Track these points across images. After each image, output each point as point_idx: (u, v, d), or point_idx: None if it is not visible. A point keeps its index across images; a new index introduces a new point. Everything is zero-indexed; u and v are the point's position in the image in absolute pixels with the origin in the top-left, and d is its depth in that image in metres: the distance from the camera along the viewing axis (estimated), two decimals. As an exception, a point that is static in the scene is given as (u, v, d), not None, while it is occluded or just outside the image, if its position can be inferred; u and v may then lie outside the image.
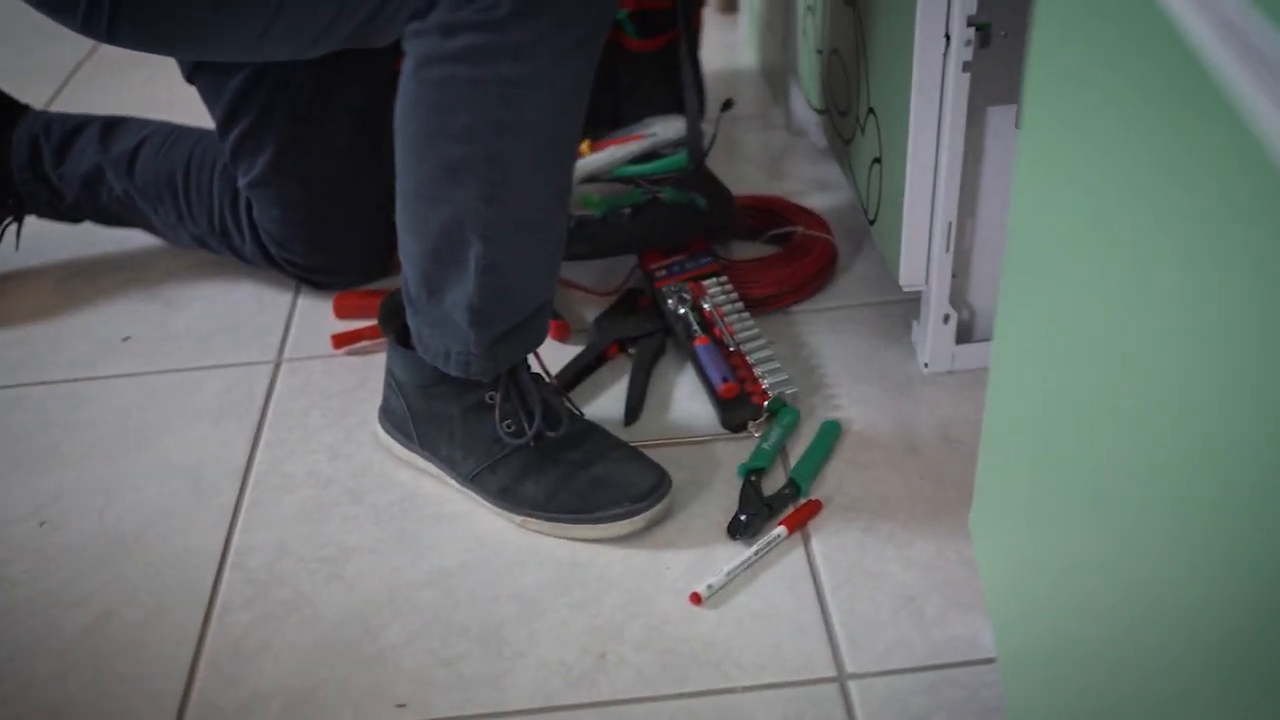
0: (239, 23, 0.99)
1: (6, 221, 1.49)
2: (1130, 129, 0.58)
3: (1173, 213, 0.53)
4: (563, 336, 1.31)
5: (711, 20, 2.02)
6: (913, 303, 1.28)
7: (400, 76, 0.98)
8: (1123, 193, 0.59)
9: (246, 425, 1.25)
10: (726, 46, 1.96)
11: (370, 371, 1.31)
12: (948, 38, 1.09)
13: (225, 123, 1.33)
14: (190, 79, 1.33)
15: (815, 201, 1.52)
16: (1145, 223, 0.56)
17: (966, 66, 1.09)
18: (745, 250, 1.44)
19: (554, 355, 1.26)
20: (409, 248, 1.05)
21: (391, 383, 1.15)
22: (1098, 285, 0.63)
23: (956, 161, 1.13)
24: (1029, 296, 0.76)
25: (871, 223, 1.28)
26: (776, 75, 1.76)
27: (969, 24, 1.07)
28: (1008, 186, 1.18)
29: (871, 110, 1.24)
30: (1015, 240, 0.78)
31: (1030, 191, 0.74)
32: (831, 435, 1.15)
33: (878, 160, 1.24)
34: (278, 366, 1.34)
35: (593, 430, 1.12)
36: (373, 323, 1.36)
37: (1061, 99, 0.68)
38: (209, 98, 1.33)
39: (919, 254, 1.19)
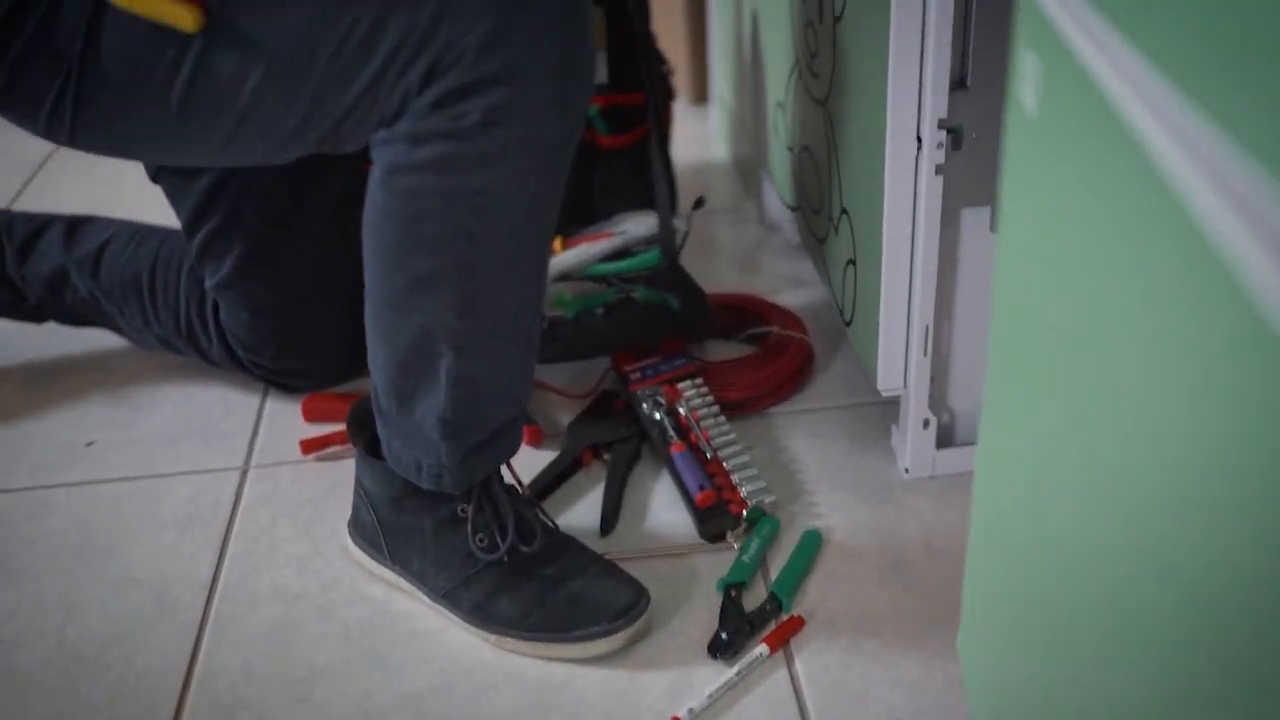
0: (203, 130, 0.98)
1: (-33, 324, 1.46)
2: (1102, 243, 0.57)
3: (1151, 326, 0.52)
4: (536, 441, 1.29)
5: (682, 111, 2.03)
6: (891, 404, 1.26)
7: (369, 184, 0.96)
8: (1103, 302, 0.58)
9: (212, 536, 1.22)
10: (697, 138, 1.96)
11: (340, 477, 1.28)
12: (919, 140, 1.08)
13: (191, 224, 1.31)
14: (155, 179, 1.31)
15: (790, 298, 1.51)
16: (1129, 333, 0.55)
17: (939, 169, 1.09)
18: (720, 350, 1.43)
19: (527, 461, 1.24)
20: (378, 357, 1.03)
21: (361, 494, 1.13)
22: (1082, 396, 0.62)
23: (932, 264, 1.13)
24: (1013, 408, 0.75)
25: (847, 324, 1.27)
26: (748, 168, 1.76)
27: (940, 127, 1.07)
28: (985, 288, 1.17)
29: (844, 210, 1.24)
30: (996, 349, 0.77)
31: (1010, 299, 0.73)
32: (812, 546, 1.13)
33: (852, 262, 1.23)
34: (245, 473, 1.31)
35: (568, 543, 1.10)
36: (342, 427, 1.33)
37: (1036, 209, 0.67)
38: (175, 198, 1.31)
39: (896, 358, 1.17)
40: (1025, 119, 0.68)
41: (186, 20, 0.90)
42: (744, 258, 1.63)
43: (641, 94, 1.54)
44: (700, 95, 2.07)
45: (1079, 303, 0.62)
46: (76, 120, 1.00)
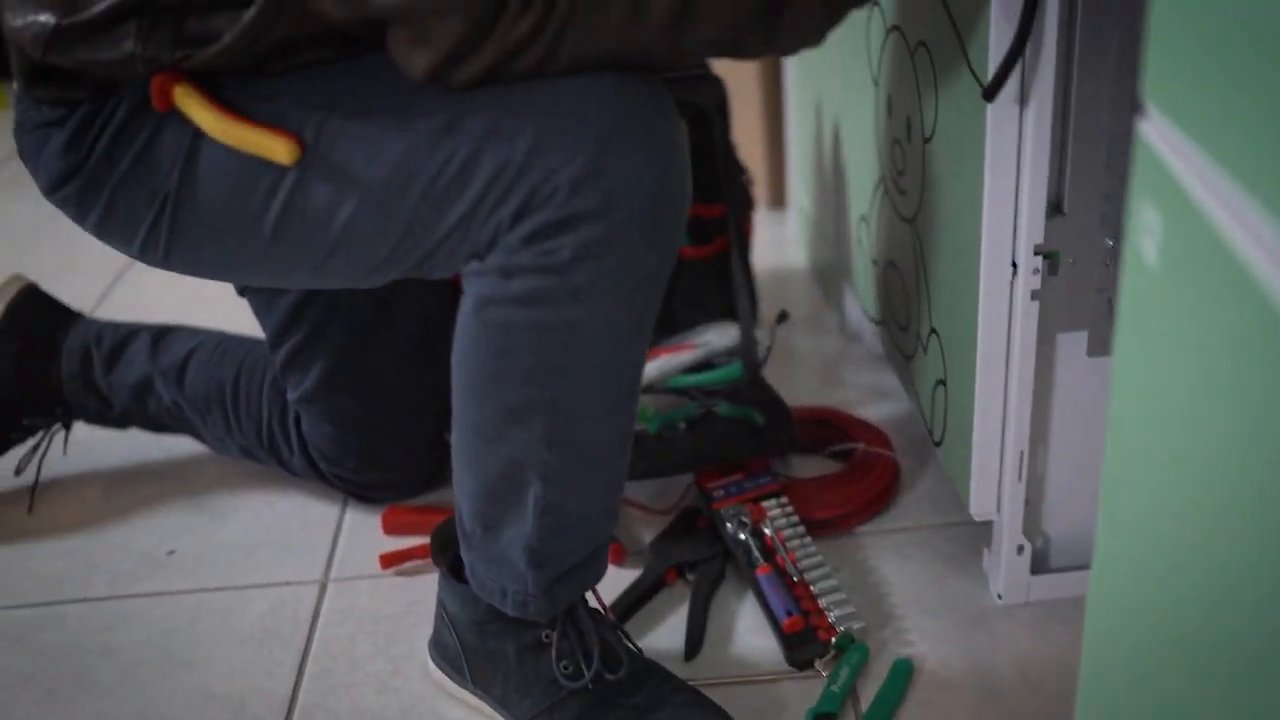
0: (295, 257, 0.98)
1: (54, 429, 1.47)
2: (1225, 389, 0.55)
3: (1273, 469, 0.50)
4: (619, 560, 1.27)
5: (759, 214, 2.02)
6: (982, 524, 1.23)
7: (459, 315, 0.96)
8: (1224, 447, 0.56)
9: (291, 652, 1.21)
10: (775, 243, 1.95)
11: (419, 594, 1.27)
12: (1014, 266, 1.07)
13: (276, 338, 1.31)
14: (242, 293, 1.32)
15: (873, 411, 1.49)
16: (1249, 481, 0.53)
17: (1035, 295, 1.07)
18: (805, 466, 1.41)
19: (609, 579, 1.21)
20: (465, 483, 1.02)
21: (444, 616, 1.11)
22: (1202, 522, 0.60)
23: (1027, 389, 1.10)
24: (1127, 534, 0.72)
25: (937, 444, 1.24)
26: (828, 276, 1.75)
27: (1036, 253, 1.05)
28: (1080, 413, 1.14)
29: (934, 330, 1.22)
30: (1111, 474, 0.74)
31: (1126, 423, 0.71)
32: (904, 676, 1.10)
33: (942, 382, 1.21)
34: (324, 586, 1.30)
35: (653, 670, 1.08)
36: (423, 541, 1.32)
37: (1154, 356, 0.65)
38: (261, 312, 1.32)
39: (990, 483, 1.15)
40: (1144, 270, 0.66)
41: (282, 153, 0.91)
42: (825, 368, 1.61)
43: (722, 205, 1.53)
44: (777, 199, 2.06)
45: (1198, 446, 0.60)
46: (170, 246, 1.01)
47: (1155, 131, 0.67)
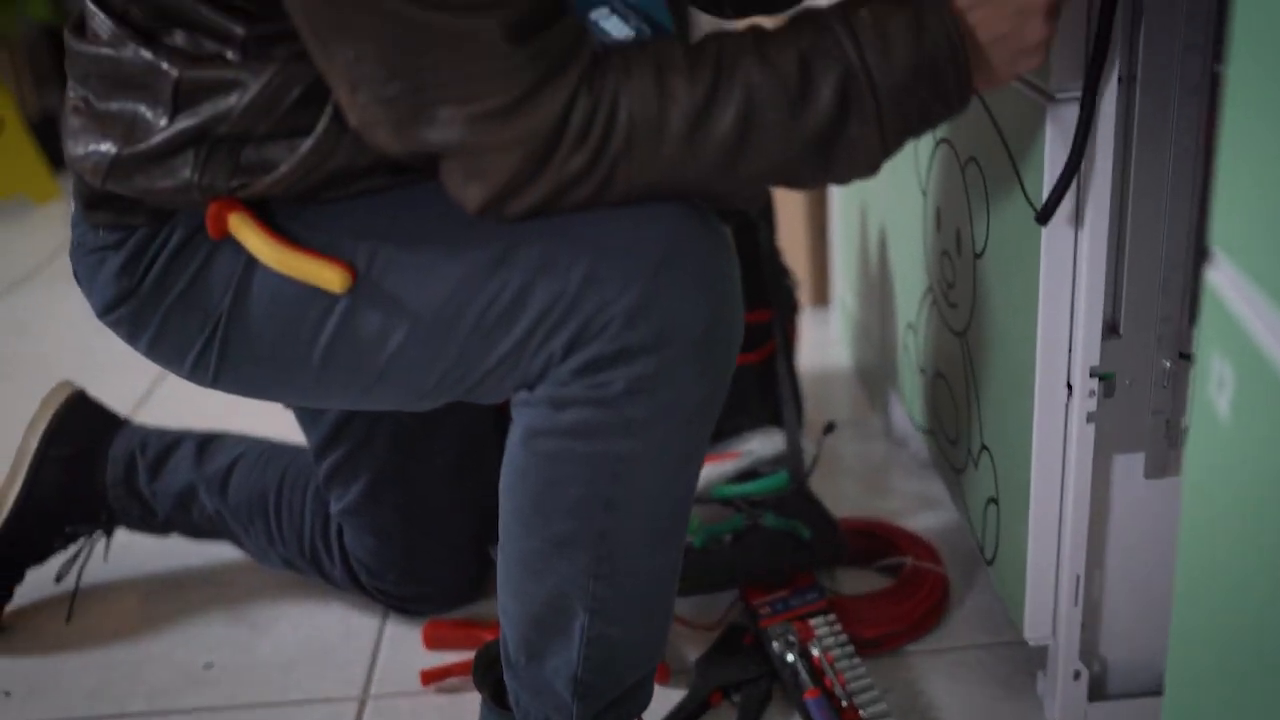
0: (344, 382, 0.98)
1: (97, 536, 1.47)
2: None
3: None
4: (664, 679, 1.24)
5: (803, 312, 2.01)
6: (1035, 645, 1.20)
7: (508, 442, 0.95)
8: None
9: (330, 773, 1.19)
10: (818, 342, 1.94)
11: (459, 713, 1.24)
12: (1069, 387, 1.05)
13: (321, 450, 1.31)
14: (287, 404, 1.32)
15: (921, 522, 1.46)
16: None
17: (1090, 417, 1.05)
18: (852, 580, 1.38)
19: (654, 700, 1.19)
20: (510, 610, 1.00)
21: (486, 742, 1.09)
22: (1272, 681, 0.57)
23: (1083, 512, 1.08)
24: (1201, 658, 0.69)
25: (989, 563, 1.22)
26: (873, 379, 1.73)
27: (1092, 375, 1.04)
28: (1138, 536, 1.12)
29: (985, 447, 1.20)
30: (1180, 627, 0.72)
31: (1196, 577, 0.69)
32: (959, 811, 1.07)
33: (994, 501, 1.18)
34: (363, 703, 1.28)
35: (700, 802, 1.05)
36: (464, 656, 1.30)
37: (1223, 504, 0.63)
38: (305, 424, 1.31)
39: (1045, 606, 1.12)
40: (1217, 424, 0.64)
41: (334, 281, 0.91)
42: (871, 475, 1.58)
43: (767, 310, 1.52)
44: (821, 296, 2.05)
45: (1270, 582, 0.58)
46: (220, 368, 1.00)
47: (1224, 279, 0.66)
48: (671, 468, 0.92)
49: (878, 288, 1.62)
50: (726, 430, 1.51)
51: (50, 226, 3.01)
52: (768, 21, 1.45)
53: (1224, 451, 0.64)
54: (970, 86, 0.88)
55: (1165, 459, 1.08)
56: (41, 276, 2.67)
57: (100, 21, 0.95)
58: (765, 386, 1.52)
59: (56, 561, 1.47)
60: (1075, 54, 0.95)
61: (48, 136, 3.14)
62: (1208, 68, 0.96)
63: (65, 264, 1.05)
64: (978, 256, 1.17)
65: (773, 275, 1.52)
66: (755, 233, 1.51)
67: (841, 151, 0.87)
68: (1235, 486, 0.64)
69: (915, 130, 0.90)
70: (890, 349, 1.57)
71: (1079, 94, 0.95)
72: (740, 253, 1.52)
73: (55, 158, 3.17)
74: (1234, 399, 0.63)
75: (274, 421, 1.50)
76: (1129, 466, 1.09)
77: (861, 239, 1.69)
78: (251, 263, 0.95)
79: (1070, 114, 0.96)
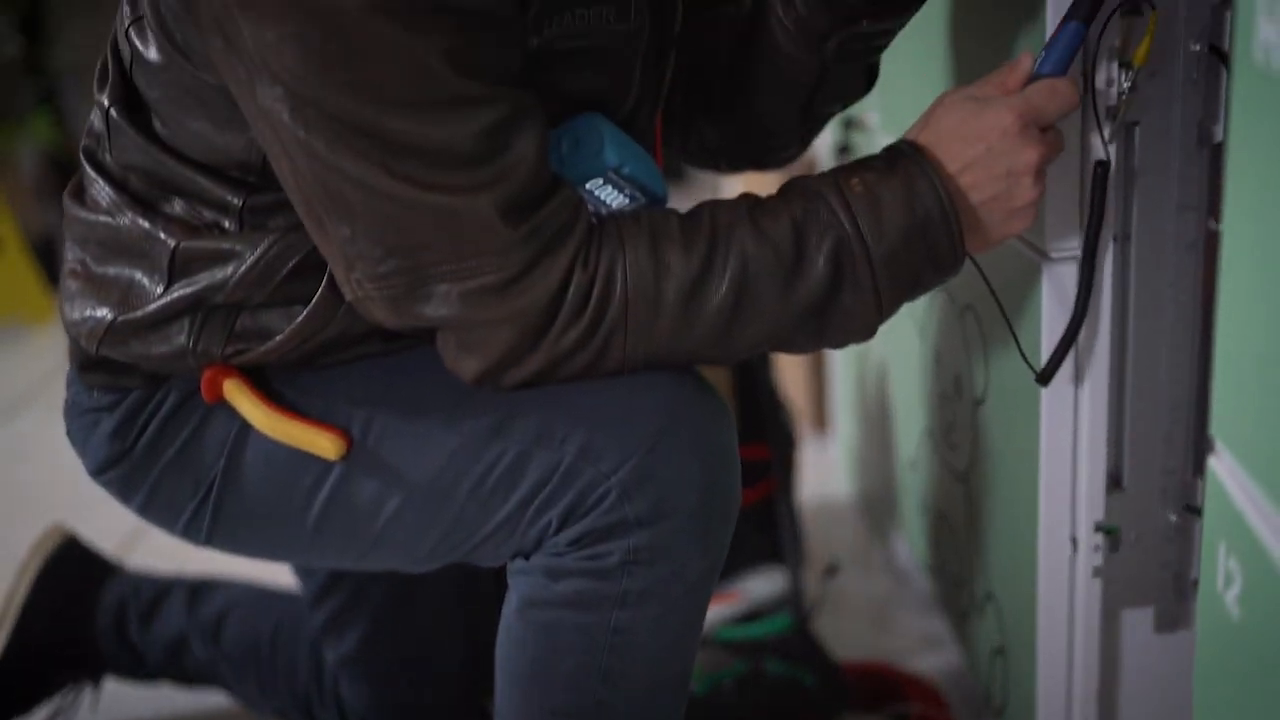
0: (337, 547, 0.97)
1: (84, 684, 1.44)
2: None
3: None
4: (665, 838, 1.21)
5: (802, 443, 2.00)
6: (1046, 802, 1.17)
7: (504, 610, 0.93)
8: None
9: None
10: (817, 468, 1.92)
11: None
12: (1074, 542, 1.03)
13: (316, 600, 1.29)
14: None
15: (926, 663, 1.44)
16: None
17: (1097, 572, 1.04)
18: (856, 727, 1.36)
19: None
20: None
21: None
22: None
23: (1092, 668, 1.06)
24: None
25: (997, 716, 1.19)
26: (874, 511, 1.72)
27: (1096, 529, 1.02)
28: (1149, 689, 1.10)
29: (990, 595, 1.18)
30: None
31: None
32: None
33: (1000, 652, 1.16)
34: None
35: None
36: (459, 812, 1.27)
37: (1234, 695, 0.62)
38: (301, 573, 1.29)
39: (1056, 764, 1.09)
40: (1227, 621, 0.63)
41: (329, 449, 0.90)
42: (874, 613, 1.56)
43: (765, 446, 1.51)
44: (820, 422, 2.04)
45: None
46: (213, 530, 0.99)
47: (1226, 471, 0.65)
48: (670, 638, 0.90)
49: (878, 422, 1.61)
50: (724, 570, 1.49)
51: (46, 349, 3.01)
52: (761, 179, 1.47)
53: (1234, 650, 0.63)
54: (963, 250, 0.88)
55: (1176, 613, 1.07)
56: (38, 401, 2.66)
57: (100, 189, 0.95)
58: (764, 524, 1.50)
59: (43, 712, 1.44)
60: (1069, 213, 0.95)
61: (49, 257, 3.15)
62: (1203, 224, 0.97)
63: (60, 389, 1.05)
64: (978, 404, 1.16)
65: (771, 410, 1.51)
66: (752, 367, 1.51)
67: (836, 319, 0.87)
68: (1245, 678, 0.63)
69: (910, 295, 0.89)
70: (891, 483, 1.56)
71: (1075, 253, 0.95)
72: (737, 387, 1.52)
73: (55, 278, 3.18)
74: (1242, 597, 0.62)
75: (268, 568, 1.48)
76: (1138, 621, 1.08)
77: (860, 371, 1.68)
78: (245, 427, 0.94)
79: (1066, 273, 0.96)
